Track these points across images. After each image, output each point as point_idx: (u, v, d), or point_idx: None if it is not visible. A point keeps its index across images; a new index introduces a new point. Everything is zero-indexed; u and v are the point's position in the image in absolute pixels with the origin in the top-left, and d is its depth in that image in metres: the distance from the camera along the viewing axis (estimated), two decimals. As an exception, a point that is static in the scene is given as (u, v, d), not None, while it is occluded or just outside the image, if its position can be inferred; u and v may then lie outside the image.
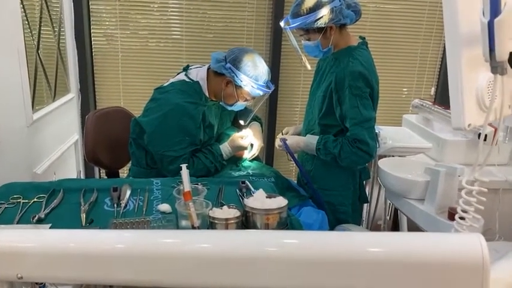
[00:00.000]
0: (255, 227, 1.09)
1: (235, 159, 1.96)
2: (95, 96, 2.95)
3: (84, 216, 1.17)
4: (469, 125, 0.76)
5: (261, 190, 1.18)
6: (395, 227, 2.44)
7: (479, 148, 0.79)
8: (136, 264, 0.80)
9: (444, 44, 3.00)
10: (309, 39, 1.72)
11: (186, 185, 1.12)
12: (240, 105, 1.86)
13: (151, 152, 1.76)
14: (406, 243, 0.77)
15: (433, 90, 3.17)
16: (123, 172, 2.50)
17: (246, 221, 1.11)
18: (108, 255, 0.81)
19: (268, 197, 1.16)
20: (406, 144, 2.17)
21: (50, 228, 1.12)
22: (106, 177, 2.35)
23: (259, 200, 1.12)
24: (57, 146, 2.45)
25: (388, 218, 2.31)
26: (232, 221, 1.06)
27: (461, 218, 0.84)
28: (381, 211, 2.33)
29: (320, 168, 1.88)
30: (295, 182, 2.09)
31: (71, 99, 2.69)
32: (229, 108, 1.88)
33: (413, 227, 2.15)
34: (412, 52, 3.06)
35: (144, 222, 1.14)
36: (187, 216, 1.09)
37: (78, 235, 0.85)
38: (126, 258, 0.81)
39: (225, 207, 1.12)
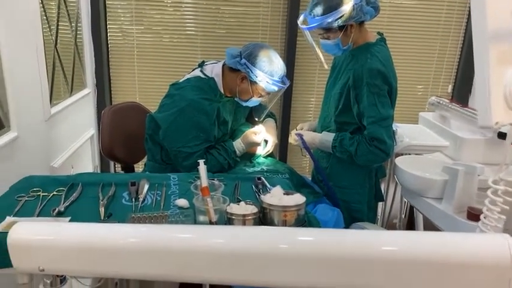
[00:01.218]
0: (272, 223, 1.09)
1: (249, 156, 1.96)
2: (111, 92, 2.98)
3: (103, 210, 1.18)
4: (497, 123, 0.74)
5: (278, 187, 1.17)
6: (410, 225, 2.41)
7: (506, 147, 0.77)
8: (152, 258, 0.81)
9: (463, 40, 2.98)
10: (327, 38, 1.69)
11: (204, 180, 1.12)
12: (254, 101, 1.85)
13: (166, 148, 1.77)
14: (429, 243, 0.76)
15: (450, 88, 3.12)
16: (138, 167, 2.52)
17: (263, 218, 1.10)
18: (126, 249, 0.82)
19: (286, 193, 1.15)
20: (423, 142, 2.14)
21: (69, 221, 1.13)
22: (122, 172, 2.37)
23: (276, 197, 1.11)
24: (74, 140, 2.48)
25: (403, 216, 2.29)
26: (250, 217, 1.06)
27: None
28: (397, 209, 2.31)
29: (335, 165, 1.86)
30: (310, 178, 2.08)
31: (87, 94, 2.72)
32: (244, 104, 1.87)
33: (429, 226, 2.12)
34: (430, 48, 3.01)
35: (162, 217, 1.15)
36: (205, 211, 1.09)
37: (98, 229, 0.86)
38: (144, 253, 0.82)
39: (242, 203, 1.12)
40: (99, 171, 2.89)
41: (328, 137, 1.80)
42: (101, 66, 2.82)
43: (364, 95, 1.65)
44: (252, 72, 1.72)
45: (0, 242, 0.98)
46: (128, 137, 2.26)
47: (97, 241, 0.82)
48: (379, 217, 2.31)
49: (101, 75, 2.84)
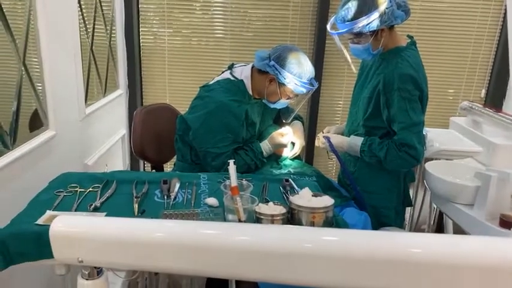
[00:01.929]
0: (300, 224, 1.10)
1: (276, 157, 1.97)
2: (142, 93, 3.05)
3: (137, 206, 1.23)
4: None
5: (307, 188, 1.19)
6: (439, 232, 2.37)
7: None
8: (182, 253, 0.84)
9: (497, 43, 2.90)
10: (357, 43, 1.69)
11: (234, 180, 1.15)
12: (282, 102, 1.86)
13: (196, 148, 1.80)
14: (455, 245, 0.76)
15: (483, 93, 3.04)
16: (167, 167, 2.57)
17: (291, 218, 1.12)
18: (159, 243, 0.85)
19: (314, 195, 1.16)
20: (454, 147, 2.10)
21: (105, 216, 1.18)
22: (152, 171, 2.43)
23: (305, 198, 1.13)
24: (106, 139, 2.55)
25: (432, 222, 2.25)
26: (278, 218, 1.08)
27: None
28: (425, 215, 2.27)
29: (363, 170, 1.85)
30: (336, 182, 2.08)
31: (119, 95, 2.79)
32: (272, 106, 1.88)
33: (459, 233, 2.08)
34: (462, 52, 2.95)
35: (193, 215, 1.18)
36: (234, 210, 1.12)
37: (134, 223, 0.90)
38: (175, 247, 0.85)
39: (270, 203, 1.14)
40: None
41: (356, 141, 1.80)
42: (133, 68, 2.90)
43: (395, 100, 1.64)
44: (280, 74, 1.74)
45: (40, 234, 1.05)
46: (158, 138, 2.31)
47: (133, 235, 0.85)
48: (406, 223, 2.28)
49: (133, 77, 2.92)
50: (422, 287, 0.76)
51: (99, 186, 1.35)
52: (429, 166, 1.86)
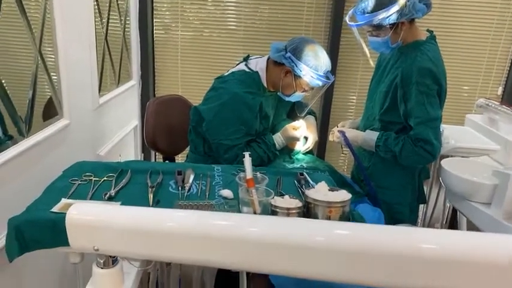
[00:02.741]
0: (316, 219, 1.08)
1: (289, 151, 1.96)
2: (155, 84, 3.05)
3: (152, 196, 1.22)
4: None
5: (323, 182, 1.17)
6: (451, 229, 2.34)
7: None
8: (197, 243, 0.83)
9: (517, 41, 2.84)
10: (377, 35, 1.66)
11: (249, 172, 1.13)
12: (297, 95, 1.84)
13: (209, 140, 1.79)
14: (470, 242, 0.74)
15: (500, 90, 2.99)
16: (178, 158, 2.57)
17: (307, 212, 1.10)
18: (174, 233, 0.84)
19: (331, 190, 1.15)
20: (470, 144, 2.06)
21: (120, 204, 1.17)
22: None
23: (321, 192, 1.11)
24: (119, 130, 2.55)
25: (445, 221, 2.22)
26: (294, 211, 1.06)
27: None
28: (438, 213, 2.24)
29: (378, 165, 1.83)
30: (349, 178, 2.06)
31: (132, 86, 2.79)
32: (287, 99, 1.86)
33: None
34: (480, 49, 2.89)
35: (208, 206, 1.17)
36: (249, 202, 1.11)
37: (150, 213, 0.89)
38: (194, 237, 0.83)
39: (286, 196, 1.13)
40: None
41: (372, 135, 1.78)
42: (146, 60, 2.90)
43: (413, 94, 1.61)
44: (296, 66, 1.71)
45: (56, 222, 1.05)
46: (170, 129, 2.31)
47: (150, 224, 0.85)
48: (420, 220, 2.26)
49: (146, 68, 2.92)
50: (435, 283, 0.75)
51: (113, 176, 1.35)
52: (445, 163, 1.83)
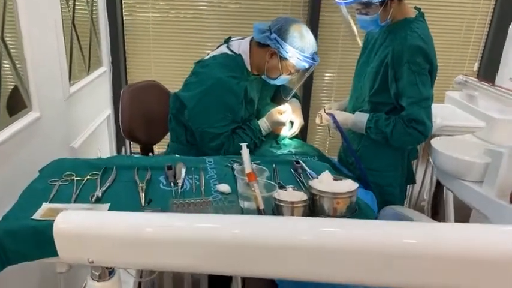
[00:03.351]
0: (322, 211, 1.03)
1: (274, 137, 1.90)
2: (126, 70, 2.90)
3: (143, 195, 1.12)
4: None
5: (327, 172, 1.11)
6: (435, 208, 2.36)
7: None
8: (203, 251, 0.75)
9: (491, 16, 2.85)
10: (365, 13, 1.60)
11: (248, 164, 1.06)
12: (283, 78, 1.76)
13: (192, 128, 1.71)
14: (456, 236, 0.69)
15: (476, 66, 3.01)
16: (157, 148, 2.46)
17: (312, 205, 1.04)
18: (181, 241, 0.76)
19: (335, 179, 1.09)
20: (457, 122, 2.06)
21: (109, 207, 1.07)
22: (140, 153, 2.32)
23: (325, 183, 1.05)
24: (92, 120, 2.42)
25: (431, 199, 2.23)
26: (300, 205, 1.00)
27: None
28: (424, 191, 2.26)
29: (368, 147, 1.80)
30: (337, 161, 2.02)
31: (103, 72, 2.64)
32: (272, 82, 1.79)
33: (460, 210, 2.07)
34: (456, 25, 2.89)
35: (206, 203, 1.09)
36: (250, 197, 1.03)
37: (149, 219, 0.81)
38: (200, 245, 0.76)
39: (289, 189, 1.06)
40: (115, 153, 2.84)
41: (362, 117, 1.73)
42: (116, 44, 2.74)
43: (404, 73, 1.57)
44: (282, 47, 1.64)
45: (39, 231, 0.94)
46: (147, 117, 2.20)
47: (150, 232, 0.76)
48: (406, 200, 2.26)
49: (116, 53, 2.76)
50: (434, 280, 0.70)
51: (97, 174, 1.24)
52: (435, 143, 1.82)
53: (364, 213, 1.09)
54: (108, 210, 1.05)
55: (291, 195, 1.02)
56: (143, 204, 1.09)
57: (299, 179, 1.33)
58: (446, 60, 2.99)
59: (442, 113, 2.16)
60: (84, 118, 2.27)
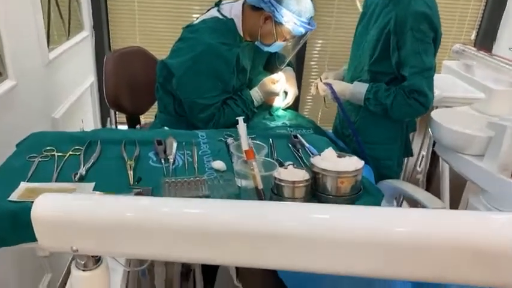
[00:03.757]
0: (325, 190, 0.96)
1: (267, 108, 1.81)
2: (109, 35, 2.73)
3: (132, 173, 1.03)
4: None
5: (330, 149, 1.03)
6: (429, 179, 2.33)
7: None
8: (196, 238, 0.68)
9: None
10: None
11: (245, 141, 0.98)
12: (278, 45, 1.66)
13: (180, 98, 1.62)
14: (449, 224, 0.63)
15: (474, 35, 2.93)
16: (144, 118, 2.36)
17: (314, 184, 0.97)
18: (175, 229, 0.68)
19: (339, 156, 1.02)
20: (457, 94, 1.99)
21: (94, 187, 0.99)
22: (126, 123, 2.23)
23: (329, 160, 0.98)
24: (74, 88, 2.30)
25: (426, 172, 2.20)
26: (301, 184, 0.93)
27: None
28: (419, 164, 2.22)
29: (366, 119, 1.73)
30: (332, 133, 1.95)
31: (85, 37, 2.48)
32: (266, 49, 1.69)
33: (455, 182, 2.05)
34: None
35: (200, 182, 1.01)
36: (247, 175, 0.96)
37: (140, 203, 0.72)
38: (194, 231, 0.68)
39: (290, 167, 0.99)
40: (99, 123, 2.73)
41: (360, 88, 1.65)
42: (98, 6, 2.56)
43: (408, 41, 1.49)
44: (277, 11, 1.53)
45: (16, 214, 0.86)
46: (133, 85, 2.11)
47: (141, 216, 0.68)
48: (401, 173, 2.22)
49: (98, 16, 2.59)
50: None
51: (80, 149, 1.14)
52: (435, 115, 1.75)
53: (369, 193, 1.02)
54: (93, 190, 0.97)
55: (292, 174, 0.95)
56: (132, 183, 1.01)
57: (298, 154, 1.25)
58: (444, 29, 2.88)
59: (441, 83, 2.09)
60: (65, 86, 2.16)
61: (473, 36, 2.93)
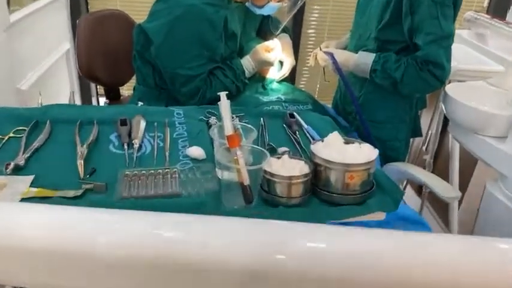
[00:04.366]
0: (328, 186, 0.76)
1: (260, 80, 1.62)
2: (86, -5, 2.48)
3: (82, 163, 0.82)
4: None
5: (336, 134, 0.82)
6: (436, 161, 2.15)
7: None
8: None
9: None
10: None
11: (228, 123, 0.76)
12: (272, 7, 1.50)
13: (160, 69, 1.43)
14: None
15: (486, 2, 2.70)
16: (124, 90, 2.20)
17: (315, 179, 0.77)
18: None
19: (346, 143, 0.81)
20: (475, 66, 1.78)
21: (33, 181, 0.77)
22: (105, 97, 2.02)
23: (335, 148, 0.77)
24: (45, 56, 2.08)
25: (433, 153, 2.01)
26: (299, 180, 0.73)
27: None
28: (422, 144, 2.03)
29: (372, 95, 1.53)
30: (332, 109, 1.75)
31: (57, -2, 2.23)
32: (258, 12, 1.51)
33: (465, 166, 1.87)
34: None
35: (170, 174, 0.80)
36: (231, 167, 0.75)
37: (72, 215, 0.52)
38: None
39: (284, 157, 0.78)
40: (78, 99, 2.50)
41: (366, 58, 1.45)
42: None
43: (423, 4, 1.29)
44: None
45: None
46: (109, 53, 1.92)
47: (69, 237, 0.48)
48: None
49: (73, -26, 2.33)
50: None
51: (24, 130, 0.92)
52: (450, 89, 1.55)
53: (385, 190, 0.81)
54: (32, 185, 0.76)
55: (287, 166, 0.74)
56: (82, 176, 0.79)
57: (295, 138, 1.05)
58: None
59: (455, 54, 1.88)
60: (34, 54, 1.94)
61: (486, 4, 2.72)
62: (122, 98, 2.12)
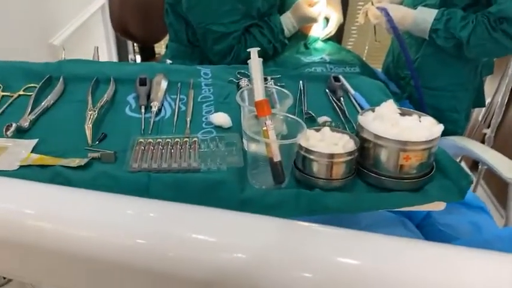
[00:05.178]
0: (378, 167, 0.62)
1: (302, 38, 1.49)
2: None
3: (91, 127, 0.72)
4: None
5: (390, 102, 0.68)
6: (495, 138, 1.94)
7: None
8: None
9: None
10: None
11: (259, 87, 0.64)
12: None
13: (192, 24, 1.34)
14: None
15: None
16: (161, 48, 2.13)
17: (361, 158, 0.64)
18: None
19: (402, 114, 0.66)
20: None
21: (36, 146, 0.69)
22: (139, 54, 1.97)
23: (388, 121, 0.63)
24: (78, 12, 2.05)
25: (496, 126, 1.80)
26: (341, 159, 0.60)
27: None
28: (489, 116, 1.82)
29: (430, 58, 1.36)
30: (382, 73, 1.59)
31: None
32: None
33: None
34: None
35: (189, 145, 0.69)
36: (260, 140, 0.63)
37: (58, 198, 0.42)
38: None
39: (325, 129, 0.65)
40: (115, 55, 2.46)
41: (427, 15, 1.27)
42: None
43: None
44: None
45: None
46: (143, 7, 1.86)
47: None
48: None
49: None
50: None
51: (35, 87, 0.83)
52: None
53: (448, 175, 0.66)
54: (34, 150, 0.67)
55: (328, 140, 0.61)
56: (90, 142, 0.70)
57: (339, 106, 0.90)
58: None
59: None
60: (67, 8, 1.92)
61: None
62: (156, 56, 2.06)
